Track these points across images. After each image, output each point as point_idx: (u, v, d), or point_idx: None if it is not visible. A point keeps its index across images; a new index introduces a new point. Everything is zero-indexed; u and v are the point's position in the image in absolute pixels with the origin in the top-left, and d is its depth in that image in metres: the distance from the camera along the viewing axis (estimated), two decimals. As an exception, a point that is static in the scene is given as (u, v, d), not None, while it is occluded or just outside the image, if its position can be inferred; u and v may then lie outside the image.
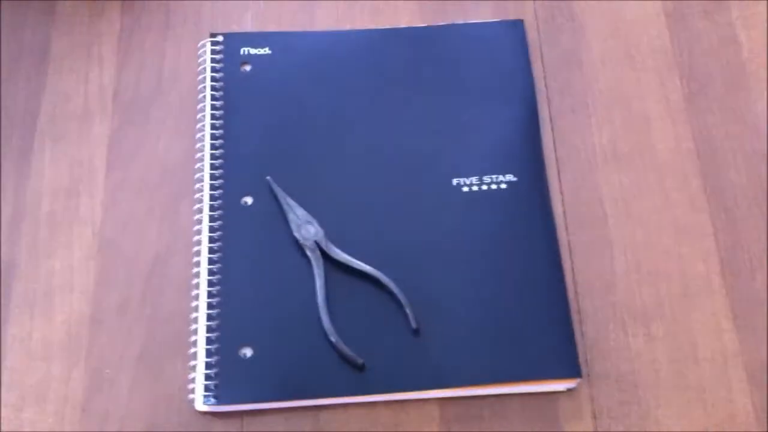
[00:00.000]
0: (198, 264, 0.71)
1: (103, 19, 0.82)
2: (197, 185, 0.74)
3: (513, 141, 0.75)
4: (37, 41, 0.81)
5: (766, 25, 0.81)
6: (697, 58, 0.80)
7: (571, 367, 0.67)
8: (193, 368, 0.67)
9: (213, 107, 0.77)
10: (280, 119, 0.77)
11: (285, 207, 0.72)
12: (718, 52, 0.80)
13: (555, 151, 0.76)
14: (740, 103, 0.78)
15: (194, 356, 0.68)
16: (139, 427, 0.67)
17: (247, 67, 0.79)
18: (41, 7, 0.82)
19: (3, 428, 0.67)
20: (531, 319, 0.68)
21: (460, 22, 0.82)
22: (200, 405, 0.66)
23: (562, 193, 0.74)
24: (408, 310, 0.68)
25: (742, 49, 0.80)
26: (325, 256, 0.70)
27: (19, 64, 0.80)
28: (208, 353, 0.67)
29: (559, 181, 0.75)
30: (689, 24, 0.82)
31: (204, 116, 0.76)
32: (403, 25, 0.82)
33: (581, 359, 0.68)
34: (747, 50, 0.80)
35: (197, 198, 0.73)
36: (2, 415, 0.67)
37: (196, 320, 0.69)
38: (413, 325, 0.68)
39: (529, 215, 0.72)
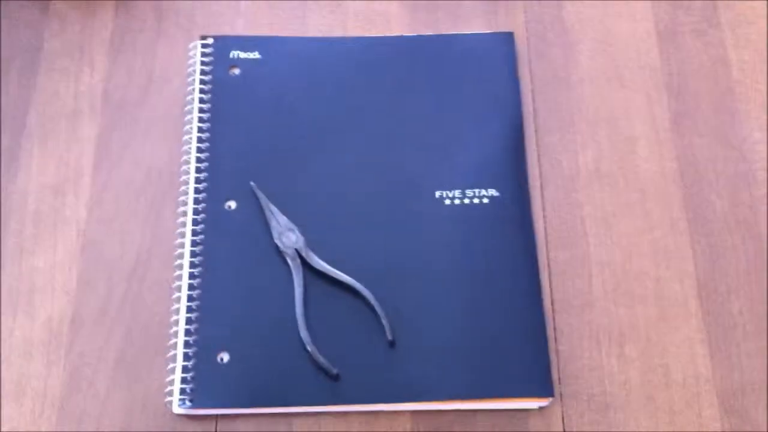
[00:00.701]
0: (180, 267, 0.72)
1: (96, 20, 0.82)
2: (182, 188, 0.74)
3: (497, 155, 0.76)
4: (30, 40, 0.81)
5: (757, 46, 0.81)
6: (686, 78, 0.80)
7: (543, 387, 0.67)
8: (171, 371, 0.68)
9: (200, 110, 0.77)
10: (267, 125, 0.77)
11: (267, 213, 0.73)
12: (707, 72, 0.80)
13: (539, 167, 0.77)
14: (726, 126, 0.78)
15: (172, 359, 0.69)
16: (116, 427, 0.68)
17: (236, 71, 0.79)
18: (35, 6, 0.83)
19: (-20, 423, 0.68)
20: (506, 337, 0.69)
21: (451, 32, 0.82)
22: (176, 408, 0.67)
23: (544, 210, 0.75)
24: (384, 322, 0.69)
25: (732, 69, 0.81)
26: (305, 265, 0.71)
27: (10, 62, 0.80)
28: (186, 357, 0.68)
29: (542, 197, 0.75)
30: (680, 43, 0.82)
31: (191, 119, 0.77)
32: (394, 34, 0.82)
33: (554, 377, 0.68)
34: (737, 71, 0.80)
35: (181, 201, 0.74)
36: (-20, 410, 0.68)
37: (175, 323, 0.70)
38: (389, 336, 0.68)
39: (510, 231, 0.73)
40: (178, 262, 0.72)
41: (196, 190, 0.74)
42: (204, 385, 0.67)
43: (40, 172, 0.76)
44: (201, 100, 0.78)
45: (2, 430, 0.67)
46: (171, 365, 0.68)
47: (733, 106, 0.79)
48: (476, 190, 0.74)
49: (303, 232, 0.72)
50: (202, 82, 0.78)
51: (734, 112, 0.79)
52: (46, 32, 0.82)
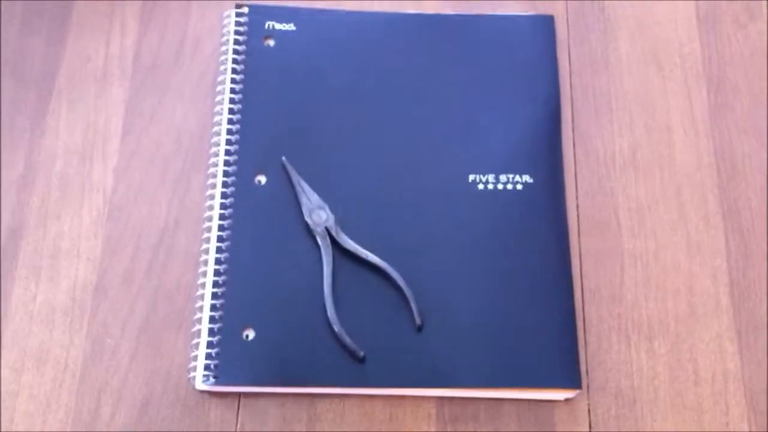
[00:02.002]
0: (207, 240, 0.71)
1: (129, -19, 0.81)
2: (211, 159, 0.73)
3: (533, 141, 0.75)
4: (59, 1, 0.80)
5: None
6: (726, 70, 0.79)
7: (571, 378, 0.66)
8: (195, 346, 0.67)
9: (233, 80, 0.76)
10: (300, 99, 0.76)
11: (298, 190, 0.72)
12: (747, 64, 0.79)
13: (574, 153, 0.75)
14: (765, 122, 0.76)
15: (197, 334, 0.68)
16: (136, 400, 0.67)
17: (271, 42, 0.78)
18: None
19: (2, 389, 0.67)
20: (536, 326, 0.68)
21: (489, 13, 0.80)
22: (200, 384, 0.66)
23: (577, 197, 0.74)
24: (413, 306, 0.68)
25: (772, 62, 0.79)
26: (335, 244, 0.70)
27: (40, 22, 0.79)
28: (211, 332, 0.67)
29: (576, 184, 0.74)
30: (720, 31, 0.80)
31: (223, 89, 0.76)
32: (429, 11, 0.80)
33: (581, 369, 0.68)
34: (777, 64, 0.79)
35: (211, 173, 0.73)
36: (2, 375, 0.67)
37: (201, 297, 0.69)
38: (417, 321, 0.67)
39: (543, 218, 0.72)
40: (206, 235, 0.71)
41: (226, 163, 0.73)
42: (228, 361, 0.67)
43: (68, 135, 0.75)
44: (234, 71, 0.76)
45: (23, 396, 0.67)
46: (195, 340, 0.68)
47: (772, 100, 0.78)
48: (510, 176, 0.73)
49: (332, 210, 0.71)
50: (235, 51, 0.77)
51: (773, 107, 0.78)
52: (76, -7, 0.80)
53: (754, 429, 0.67)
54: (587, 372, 0.68)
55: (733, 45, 0.80)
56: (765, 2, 0.81)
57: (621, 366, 0.68)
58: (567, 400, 0.67)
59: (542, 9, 0.81)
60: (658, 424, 0.67)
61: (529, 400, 0.67)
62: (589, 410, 0.67)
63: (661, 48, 0.80)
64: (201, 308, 0.68)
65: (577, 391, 0.67)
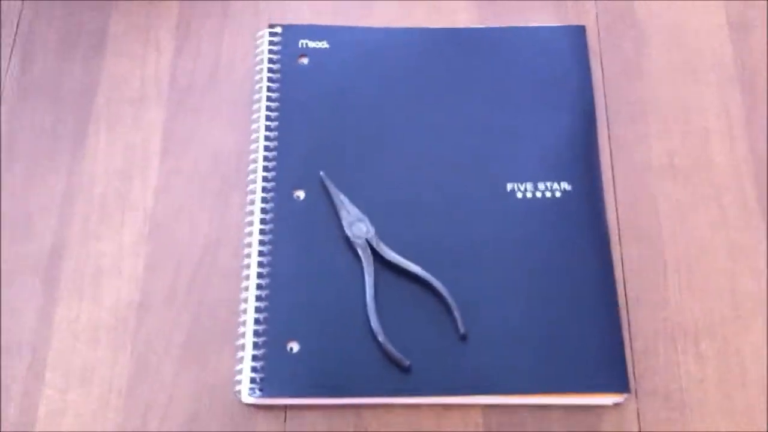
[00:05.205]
0: (248, 255, 0.71)
1: (162, 5, 0.81)
2: (250, 176, 0.74)
3: (569, 149, 0.75)
4: (95, 24, 0.81)
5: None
6: (759, 74, 0.79)
7: (619, 382, 0.66)
8: (240, 360, 0.67)
9: (269, 99, 0.76)
10: (335, 114, 0.76)
11: (337, 203, 0.72)
12: (780, 67, 0.79)
13: (611, 161, 0.75)
14: (799, 123, 0.77)
15: (241, 347, 0.68)
16: (182, 416, 0.67)
17: (305, 60, 0.78)
18: (100, -11, 0.82)
19: (47, 408, 0.67)
20: (580, 331, 0.68)
21: (521, 25, 0.81)
22: (246, 397, 0.66)
23: (616, 204, 0.74)
24: (456, 314, 0.68)
25: (804, 67, 0.79)
26: (376, 255, 0.70)
27: (76, 46, 0.80)
28: (255, 345, 0.67)
29: (614, 192, 0.74)
30: (752, 38, 0.80)
31: (259, 107, 0.76)
32: (461, 26, 0.81)
33: (629, 374, 0.67)
34: (808, 68, 0.79)
35: (250, 189, 0.73)
36: (47, 394, 0.67)
37: (243, 311, 0.69)
38: (461, 330, 0.67)
39: (583, 225, 0.72)
40: (247, 251, 0.71)
41: (264, 179, 0.73)
42: (274, 374, 0.67)
43: (107, 156, 0.76)
44: (269, 89, 0.77)
45: (68, 417, 0.67)
46: (240, 354, 0.68)
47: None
48: (548, 183, 0.73)
49: (372, 223, 0.71)
50: (270, 70, 0.78)
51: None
52: (112, 16, 0.81)
53: (806, 429, 0.66)
54: (635, 376, 0.67)
55: (764, 49, 0.80)
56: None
57: (669, 370, 0.68)
58: (616, 404, 0.67)
59: (573, 20, 0.81)
60: (707, 426, 0.66)
61: (576, 406, 0.67)
62: (638, 414, 0.66)
63: (694, 54, 0.80)
64: (245, 322, 0.68)
65: (626, 396, 0.66)
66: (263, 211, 0.72)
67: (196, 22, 0.81)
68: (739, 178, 0.74)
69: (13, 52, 0.80)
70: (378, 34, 0.80)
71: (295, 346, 0.67)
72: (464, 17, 0.82)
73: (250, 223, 0.72)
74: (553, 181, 0.73)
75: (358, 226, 0.71)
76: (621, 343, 0.67)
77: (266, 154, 0.74)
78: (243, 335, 0.68)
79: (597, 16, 0.81)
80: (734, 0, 0.82)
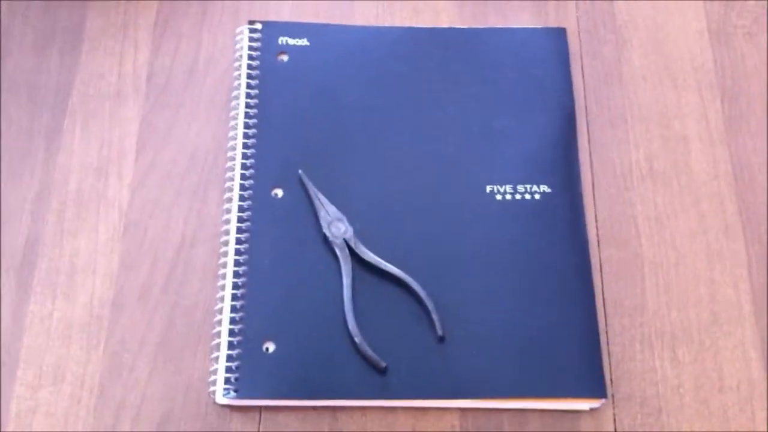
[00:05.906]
0: (225, 254, 0.70)
1: (140, 4, 0.80)
2: (228, 174, 0.73)
3: (549, 151, 0.74)
4: (71, 21, 0.80)
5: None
6: (739, 81, 0.79)
7: (596, 387, 0.66)
8: (215, 359, 0.67)
9: (248, 95, 0.76)
10: (315, 112, 0.76)
11: (316, 203, 0.71)
12: (759, 74, 0.79)
13: (591, 164, 0.75)
14: (780, 130, 0.77)
15: (216, 347, 0.67)
16: (155, 416, 0.66)
17: (284, 57, 0.78)
18: (77, -14, 0.81)
19: (18, 406, 0.66)
20: (558, 335, 0.67)
21: (501, 26, 0.80)
22: (220, 398, 0.65)
23: (595, 208, 0.74)
24: (435, 317, 0.67)
25: (784, 73, 0.80)
26: (354, 256, 0.69)
27: (53, 41, 0.79)
28: (231, 345, 0.67)
29: (593, 195, 0.74)
30: (732, 44, 0.81)
31: (238, 104, 0.75)
32: (444, 26, 0.81)
33: (606, 379, 0.67)
34: (789, 74, 0.79)
35: (227, 187, 0.73)
36: (18, 392, 0.66)
37: (219, 311, 0.68)
38: (439, 332, 0.67)
39: (562, 228, 0.72)
40: (223, 249, 0.70)
41: (243, 177, 0.72)
42: (249, 374, 0.66)
43: (83, 152, 0.75)
44: (248, 86, 0.76)
45: (40, 414, 0.66)
46: (215, 354, 0.67)
47: (786, 109, 0.78)
48: (528, 186, 0.73)
49: (350, 222, 0.71)
50: (249, 67, 0.77)
51: (787, 117, 0.78)
52: (89, 12, 0.80)
53: (781, 436, 0.66)
54: (612, 381, 0.67)
55: (744, 55, 0.80)
56: (775, 14, 0.82)
57: (645, 375, 0.68)
58: (592, 409, 0.67)
59: (554, 22, 0.81)
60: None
61: (553, 411, 0.67)
62: (614, 419, 0.66)
63: (674, 59, 0.80)
64: (220, 322, 0.68)
65: (603, 401, 0.66)
66: (241, 209, 0.71)
67: (175, 19, 0.80)
68: (719, 184, 0.74)
69: (-11, 47, 0.79)
70: (358, 33, 0.80)
71: (271, 347, 0.67)
72: (445, 18, 0.81)
73: (228, 222, 0.71)
74: (532, 184, 0.73)
75: (337, 226, 0.70)
76: (598, 349, 0.67)
77: (244, 151, 0.73)
78: (218, 335, 0.67)
79: (578, 19, 0.81)
80: (715, 5, 0.82)
